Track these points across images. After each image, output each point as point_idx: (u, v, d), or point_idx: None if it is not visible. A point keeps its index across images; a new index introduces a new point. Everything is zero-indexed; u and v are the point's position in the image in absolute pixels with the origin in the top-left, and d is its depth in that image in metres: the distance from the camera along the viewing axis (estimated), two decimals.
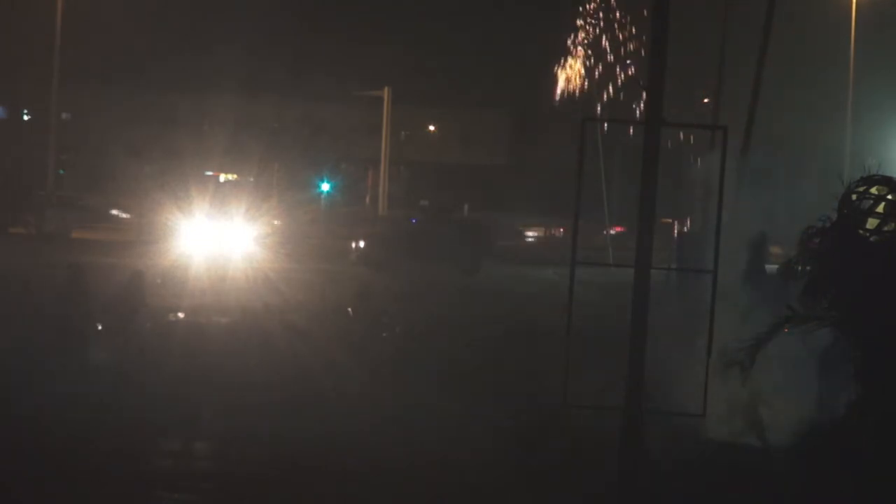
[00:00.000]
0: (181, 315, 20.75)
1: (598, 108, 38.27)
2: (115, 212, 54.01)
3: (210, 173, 62.66)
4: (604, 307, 23.91)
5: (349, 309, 21.34)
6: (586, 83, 30.06)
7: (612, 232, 46.49)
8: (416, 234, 41.18)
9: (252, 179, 61.83)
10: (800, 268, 13.02)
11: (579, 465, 12.44)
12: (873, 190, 13.20)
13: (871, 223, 13.15)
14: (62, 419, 13.45)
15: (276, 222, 44.45)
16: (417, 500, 11.21)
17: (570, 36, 31.06)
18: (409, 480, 11.67)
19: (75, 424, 13.26)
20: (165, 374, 16.00)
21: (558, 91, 32.73)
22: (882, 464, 12.11)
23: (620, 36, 30.33)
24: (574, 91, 29.87)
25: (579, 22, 31.00)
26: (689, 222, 26.39)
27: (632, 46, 30.13)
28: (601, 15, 30.56)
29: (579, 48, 29.78)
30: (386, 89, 63.28)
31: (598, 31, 30.45)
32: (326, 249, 42.49)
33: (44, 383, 15.18)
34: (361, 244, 41.23)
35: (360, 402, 14.91)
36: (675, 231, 28.28)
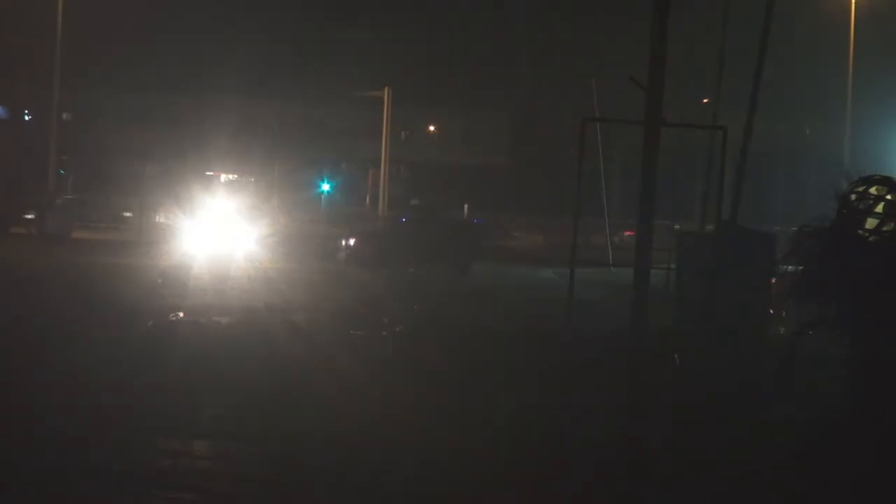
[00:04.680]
0: (182, 315, 20.78)
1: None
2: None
3: (211, 173, 62.67)
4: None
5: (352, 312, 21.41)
6: None
7: (626, 234, 46.34)
8: (406, 233, 41.02)
9: (253, 180, 61.86)
10: (791, 267, 13.08)
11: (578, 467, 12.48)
12: (872, 190, 13.24)
13: (870, 223, 13.20)
14: (62, 418, 13.48)
15: (279, 221, 44.48)
16: (422, 499, 11.25)
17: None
18: (411, 479, 11.70)
19: (75, 423, 13.30)
20: (165, 374, 16.03)
21: None
22: (882, 464, 12.14)
23: None
24: None
25: None
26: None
27: None
28: None
29: None
30: (386, 89, 63.30)
31: None
32: (327, 250, 42.49)
33: (44, 382, 15.23)
34: (352, 242, 41.20)
35: (361, 401, 14.94)
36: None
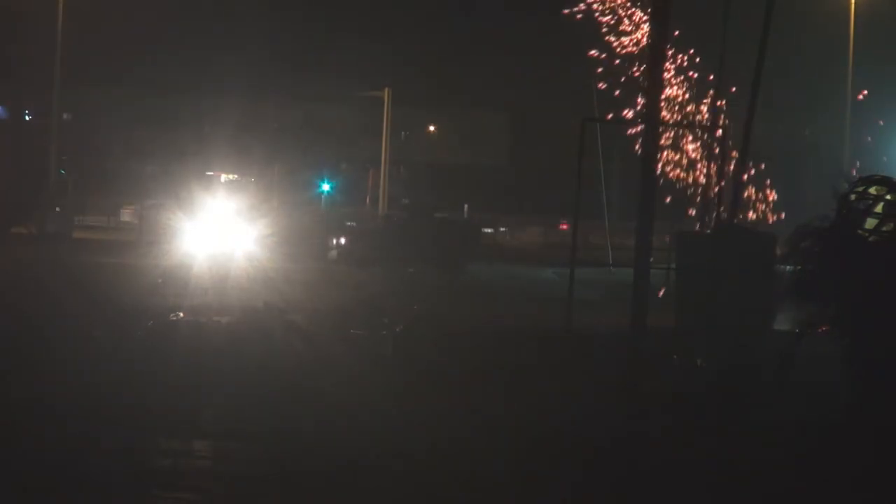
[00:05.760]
0: (182, 314, 20.79)
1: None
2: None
3: (211, 173, 62.69)
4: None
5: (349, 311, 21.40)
6: None
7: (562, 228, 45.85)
8: (396, 232, 40.78)
9: (253, 180, 61.88)
10: (789, 267, 13.09)
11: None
12: (872, 190, 13.26)
13: (870, 223, 13.21)
14: (61, 417, 13.49)
15: (278, 221, 44.49)
16: (422, 498, 11.25)
17: None
18: (413, 479, 11.71)
19: (75, 423, 13.30)
20: (166, 373, 16.04)
21: None
22: (882, 464, 12.15)
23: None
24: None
25: None
26: None
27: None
28: None
29: None
30: (386, 90, 63.31)
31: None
32: (323, 249, 42.50)
33: (44, 381, 15.24)
34: (342, 241, 41.07)
35: (361, 401, 14.95)
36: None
